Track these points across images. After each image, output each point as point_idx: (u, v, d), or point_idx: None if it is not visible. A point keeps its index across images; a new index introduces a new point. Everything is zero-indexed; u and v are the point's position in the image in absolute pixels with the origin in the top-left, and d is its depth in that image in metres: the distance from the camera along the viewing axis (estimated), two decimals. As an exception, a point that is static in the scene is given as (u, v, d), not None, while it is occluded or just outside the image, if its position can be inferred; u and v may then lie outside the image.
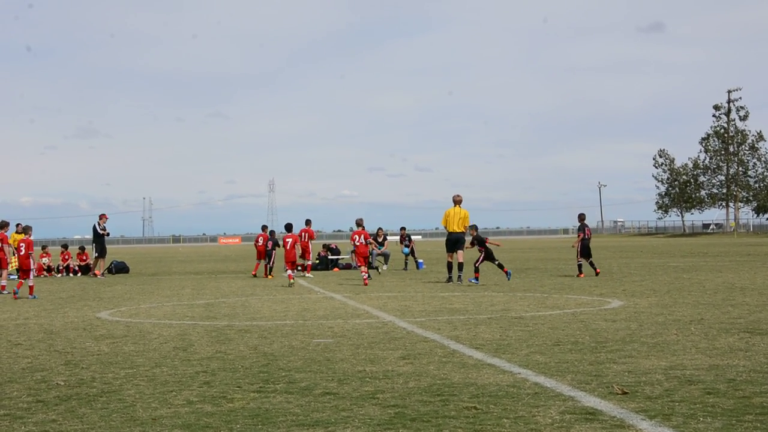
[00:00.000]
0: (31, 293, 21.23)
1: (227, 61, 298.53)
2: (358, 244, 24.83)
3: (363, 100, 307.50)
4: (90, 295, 21.68)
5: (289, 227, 25.80)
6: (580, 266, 25.91)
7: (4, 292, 23.06)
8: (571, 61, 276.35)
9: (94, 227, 32.54)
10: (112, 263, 34.88)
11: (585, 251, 25.98)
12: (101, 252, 32.38)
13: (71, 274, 33.07)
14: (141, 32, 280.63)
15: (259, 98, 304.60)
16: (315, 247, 32.49)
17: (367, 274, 23.76)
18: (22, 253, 21.91)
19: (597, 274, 25.57)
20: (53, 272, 33.25)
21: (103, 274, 31.82)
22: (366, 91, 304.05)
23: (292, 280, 24.03)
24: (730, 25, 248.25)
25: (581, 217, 26.68)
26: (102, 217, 32.88)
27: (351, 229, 35.79)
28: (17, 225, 32.15)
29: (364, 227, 25.61)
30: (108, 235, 33.00)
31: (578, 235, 26.42)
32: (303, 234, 29.50)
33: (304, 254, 28.99)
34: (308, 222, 30.82)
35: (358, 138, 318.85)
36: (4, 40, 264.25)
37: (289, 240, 25.12)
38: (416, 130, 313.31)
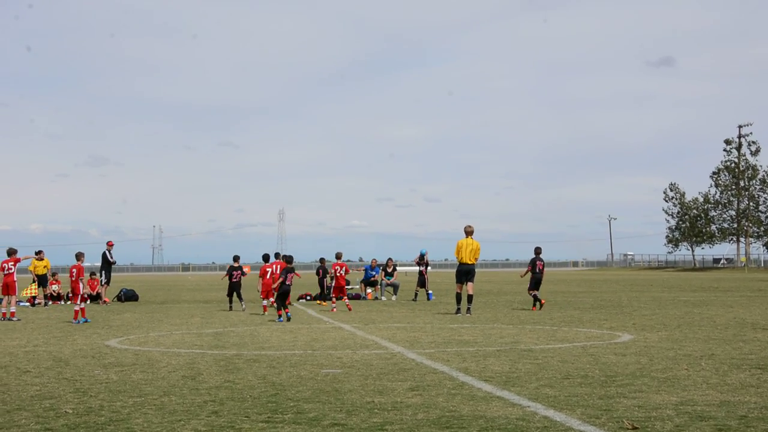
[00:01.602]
0: (83, 316, 22.08)
1: (237, 90, 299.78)
2: (338, 275, 27.09)
3: (372, 131, 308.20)
4: (99, 323, 21.68)
5: (266, 258, 27.11)
6: (534, 297, 25.96)
7: (14, 318, 23.14)
8: (580, 95, 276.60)
9: (105, 255, 32.65)
10: (121, 291, 34.88)
11: (535, 284, 26.09)
12: (108, 280, 32.53)
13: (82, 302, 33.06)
14: (152, 61, 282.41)
15: (269, 128, 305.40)
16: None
17: (346, 301, 26.26)
18: (73, 278, 23.02)
19: (541, 305, 25.47)
20: (63, 299, 33.28)
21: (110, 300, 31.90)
22: (375, 122, 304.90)
23: (266, 311, 24.78)
24: (742, 60, 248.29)
25: (537, 251, 26.89)
26: (109, 244, 33.11)
27: (361, 259, 35.92)
28: (38, 252, 32.36)
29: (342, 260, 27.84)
30: (114, 263, 33.22)
31: (528, 268, 26.58)
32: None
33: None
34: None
35: (367, 168, 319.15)
36: (17, 68, 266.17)
37: (269, 270, 26.07)
38: (425, 161, 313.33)
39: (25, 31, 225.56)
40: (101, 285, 32.64)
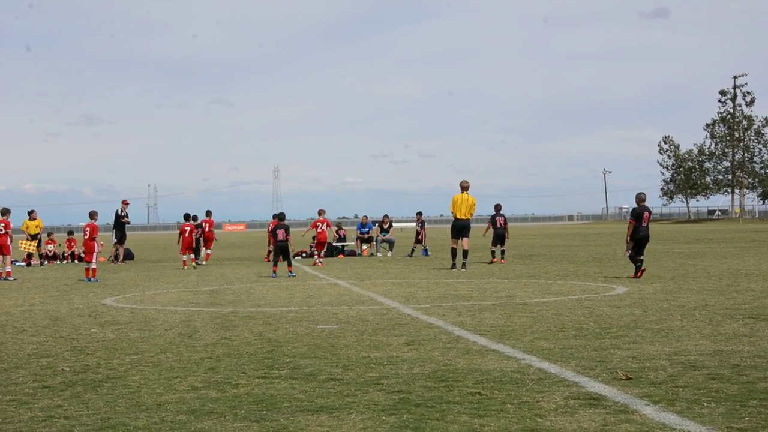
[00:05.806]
0: (94, 276, 22.11)
1: (230, 47, 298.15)
2: (320, 231, 27.94)
3: (366, 87, 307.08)
4: (95, 282, 21.71)
5: (187, 217, 28.59)
6: (493, 252, 27.02)
7: (10, 278, 23.17)
8: (575, 48, 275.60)
9: (116, 213, 32.54)
10: (116, 250, 34.84)
11: (499, 239, 26.99)
12: (120, 239, 32.34)
13: (76, 261, 33.11)
14: (144, 20, 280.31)
15: (263, 85, 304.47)
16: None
17: (321, 259, 27.24)
18: (86, 236, 23.10)
19: (501, 262, 26.16)
20: (59, 258, 33.34)
21: (113, 261, 31.79)
22: (369, 78, 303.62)
23: (186, 266, 26.51)
24: (736, 11, 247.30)
25: (497, 208, 27.94)
26: (124, 202, 33.01)
27: (355, 216, 36.15)
28: (30, 212, 32.29)
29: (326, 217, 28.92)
30: (129, 223, 33.03)
31: (488, 225, 27.51)
32: (205, 224, 30.65)
33: (207, 243, 31.12)
34: (208, 213, 32.99)
35: (361, 125, 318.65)
36: (7, 29, 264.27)
37: (187, 228, 27.66)
38: (419, 117, 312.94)
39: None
40: (113, 244, 32.56)
